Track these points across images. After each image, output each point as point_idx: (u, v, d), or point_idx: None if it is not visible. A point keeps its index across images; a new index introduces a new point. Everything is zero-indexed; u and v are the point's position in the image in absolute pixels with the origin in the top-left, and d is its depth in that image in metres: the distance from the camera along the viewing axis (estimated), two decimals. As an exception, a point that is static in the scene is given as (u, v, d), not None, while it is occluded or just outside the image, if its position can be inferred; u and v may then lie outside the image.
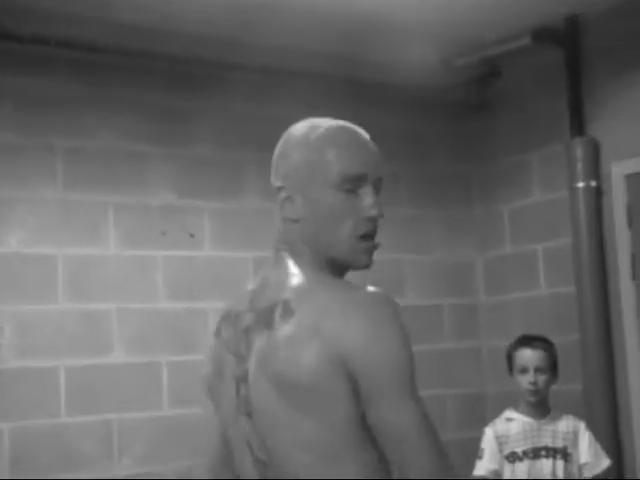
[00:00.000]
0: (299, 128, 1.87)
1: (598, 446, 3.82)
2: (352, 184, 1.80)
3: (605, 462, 3.81)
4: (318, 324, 1.67)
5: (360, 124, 1.92)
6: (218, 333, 1.93)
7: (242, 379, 1.81)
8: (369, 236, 1.82)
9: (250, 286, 1.91)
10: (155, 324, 4.63)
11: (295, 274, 1.79)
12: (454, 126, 5.67)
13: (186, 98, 4.83)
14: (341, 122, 1.88)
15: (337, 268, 1.84)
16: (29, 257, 4.41)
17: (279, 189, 1.84)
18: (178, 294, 4.71)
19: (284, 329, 1.72)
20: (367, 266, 1.84)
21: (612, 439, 4.66)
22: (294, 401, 1.70)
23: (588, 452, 3.78)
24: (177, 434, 4.61)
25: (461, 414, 5.45)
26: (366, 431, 1.70)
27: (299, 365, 1.68)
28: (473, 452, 3.91)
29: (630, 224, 4.73)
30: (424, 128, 5.56)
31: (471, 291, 5.62)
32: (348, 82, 5.14)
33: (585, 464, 3.77)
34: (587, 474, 3.76)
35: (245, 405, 1.80)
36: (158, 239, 4.69)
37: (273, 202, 1.89)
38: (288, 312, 1.72)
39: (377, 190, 1.82)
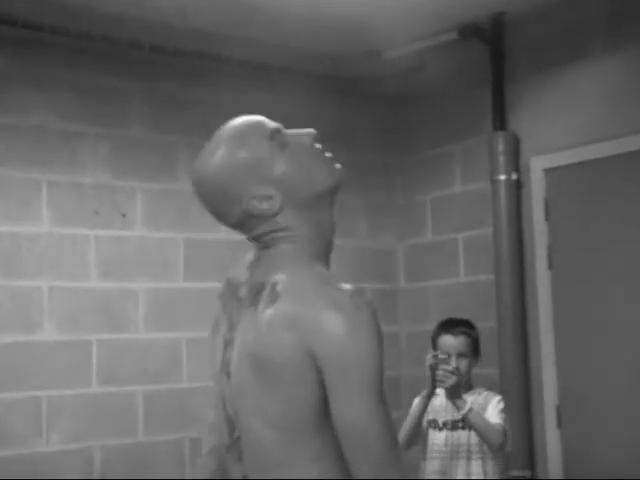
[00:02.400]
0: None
1: (501, 415, 3.94)
2: None
3: (497, 423, 3.92)
4: (299, 314, 1.77)
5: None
6: (221, 297, 2.04)
7: (229, 343, 1.93)
8: None
9: (247, 260, 2.01)
10: (86, 303, 4.66)
11: (287, 259, 1.90)
12: (380, 116, 5.80)
13: (122, 79, 4.86)
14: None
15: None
16: (-39, 233, 4.41)
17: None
18: (109, 273, 4.74)
19: (267, 311, 1.81)
20: None
21: (525, 422, 4.87)
22: (264, 380, 1.81)
23: (489, 412, 3.93)
24: (105, 412, 4.67)
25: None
26: (327, 418, 1.80)
27: (274, 349, 1.78)
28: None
29: (547, 216, 4.92)
30: (350, 117, 5.67)
31: (391, 277, 5.77)
32: (277, 70, 5.21)
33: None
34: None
35: (227, 366, 1.93)
36: (91, 218, 4.72)
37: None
38: (274, 295, 1.82)
39: None
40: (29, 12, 4.40)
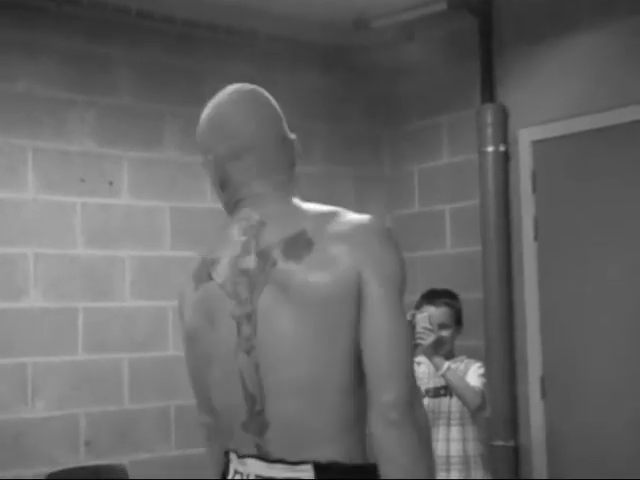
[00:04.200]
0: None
1: (481, 379, 3.98)
2: None
3: (475, 385, 3.96)
4: (338, 249, 1.84)
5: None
6: (207, 278, 1.98)
7: (245, 319, 1.90)
8: None
9: (233, 233, 1.98)
10: (72, 270, 4.65)
11: (291, 210, 1.97)
12: (367, 87, 5.77)
13: (109, 46, 4.82)
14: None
15: None
16: (-54, 200, 4.39)
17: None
18: (95, 241, 4.73)
19: (308, 258, 1.85)
20: None
21: (509, 393, 4.91)
22: (312, 328, 1.83)
23: (469, 376, 3.98)
24: (90, 379, 4.68)
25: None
26: (358, 382, 1.84)
27: (326, 287, 1.82)
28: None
29: (534, 189, 4.93)
30: (339, 88, 5.64)
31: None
32: (265, 39, 5.18)
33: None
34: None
35: (246, 343, 1.89)
36: (77, 185, 4.70)
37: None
38: (308, 242, 1.87)
39: None
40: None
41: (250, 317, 1.89)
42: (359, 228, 1.88)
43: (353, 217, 1.92)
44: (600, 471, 4.52)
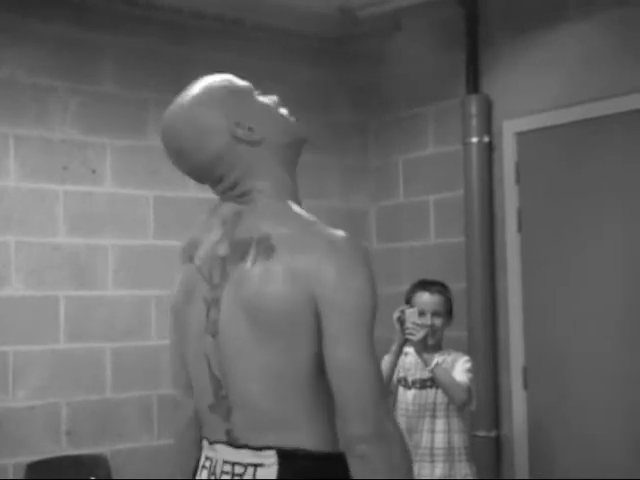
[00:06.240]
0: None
1: (468, 374, 3.98)
2: None
3: (462, 381, 3.95)
4: (296, 262, 1.81)
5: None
6: (188, 259, 2.02)
7: (213, 303, 1.92)
8: None
9: (217, 216, 2.00)
10: (54, 258, 4.63)
11: (273, 210, 1.92)
12: (354, 76, 5.75)
13: (93, 33, 4.78)
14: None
15: None
16: None
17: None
18: (78, 229, 4.70)
19: (264, 264, 1.84)
20: None
21: (491, 383, 4.92)
22: (264, 332, 1.83)
23: (456, 371, 3.97)
24: (72, 368, 4.65)
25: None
26: (323, 374, 1.83)
27: (273, 299, 1.81)
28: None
29: (518, 180, 4.93)
30: (324, 77, 5.62)
31: (363, 238, 5.75)
32: (251, 27, 5.15)
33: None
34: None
35: (212, 326, 1.92)
36: (59, 173, 4.67)
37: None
38: (269, 248, 1.84)
39: None
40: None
41: (217, 302, 1.92)
42: (327, 246, 1.81)
43: (325, 233, 1.84)
44: (582, 461, 4.54)
